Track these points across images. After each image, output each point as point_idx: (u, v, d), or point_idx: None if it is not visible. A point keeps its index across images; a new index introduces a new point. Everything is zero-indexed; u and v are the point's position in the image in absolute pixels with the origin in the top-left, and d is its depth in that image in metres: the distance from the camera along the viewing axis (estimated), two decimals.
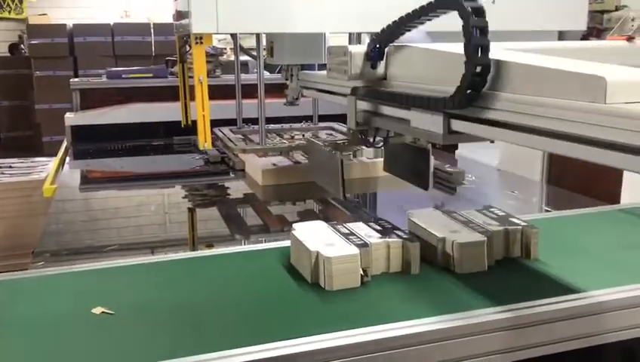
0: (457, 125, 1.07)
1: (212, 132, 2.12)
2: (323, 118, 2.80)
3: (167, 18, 6.49)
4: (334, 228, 1.27)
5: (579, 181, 2.35)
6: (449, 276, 1.19)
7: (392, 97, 1.24)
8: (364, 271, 1.15)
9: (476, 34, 0.96)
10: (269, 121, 2.26)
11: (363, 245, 1.17)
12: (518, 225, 1.29)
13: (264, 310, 1.07)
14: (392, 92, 1.26)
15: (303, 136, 2.53)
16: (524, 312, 1.02)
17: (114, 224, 2.03)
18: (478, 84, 0.96)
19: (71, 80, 3.68)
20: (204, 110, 1.93)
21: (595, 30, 2.61)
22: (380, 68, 1.31)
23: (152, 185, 2.56)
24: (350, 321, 1.00)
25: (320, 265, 1.13)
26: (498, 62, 0.97)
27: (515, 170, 2.45)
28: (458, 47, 1.09)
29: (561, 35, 2.15)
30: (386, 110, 1.29)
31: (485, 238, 1.20)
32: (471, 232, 1.23)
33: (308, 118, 2.79)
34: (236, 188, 2.30)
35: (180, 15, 2.07)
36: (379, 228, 1.28)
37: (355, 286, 1.13)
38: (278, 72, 2.23)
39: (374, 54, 1.29)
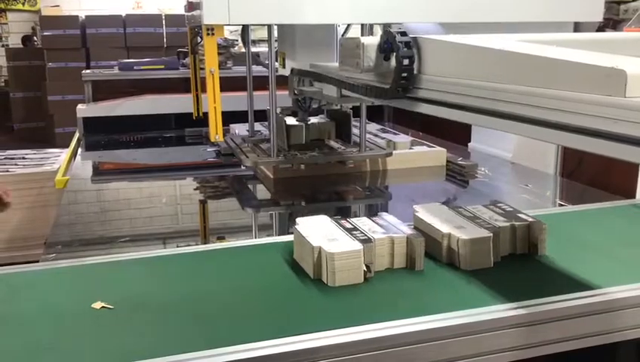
0: (345, 92, 1.46)
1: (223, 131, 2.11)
2: None
3: (179, 9, 6.52)
4: (338, 223, 1.25)
5: (593, 174, 2.32)
6: (454, 272, 1.17)
7: (338, 82, 1.49)
8: (367, 267, 1.13)
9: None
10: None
11: (366, 241, 1.15)
12: (525, 220, 1.27)
13: (265, 306, 1.06)
14: (330, 76, 1.59)
15: None
16: (531, 310, 1.00)
17: (125, 215, 2.04)
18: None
19: (83, 72, 3.69)
20: (215, 102, 1.92)
21: (612, 21, 2.57)
22: (393, 60, 1.29)
23: (163, 177, 2.57)
24: (352, 318, 0.98)
25: (323, 260, 1.12)
26: (512, 55, 0.95)
27: (529, 163, 2.42)
28: (471, 39, 1.09)
29: (577, 27, 2.12)
30: (315, 85, 1.81)
31: (491, 234, 1.18)
32: (477, 228, 1.21)
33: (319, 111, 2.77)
34: (247, 180, 2.30)
35: (192, 6, 2.06)
36: (383, 222, 1.26)
37: (359, 283, 1.11)
38: None
39: (387, 46, 1.27)
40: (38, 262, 1.36)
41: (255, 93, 2.28)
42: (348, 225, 1.24)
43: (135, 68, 3.60)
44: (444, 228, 1.22)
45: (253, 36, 2.61)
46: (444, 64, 1.19)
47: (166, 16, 6.85)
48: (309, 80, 1.85)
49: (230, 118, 2.47)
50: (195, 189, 2.30)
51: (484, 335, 0.97)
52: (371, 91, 1.27)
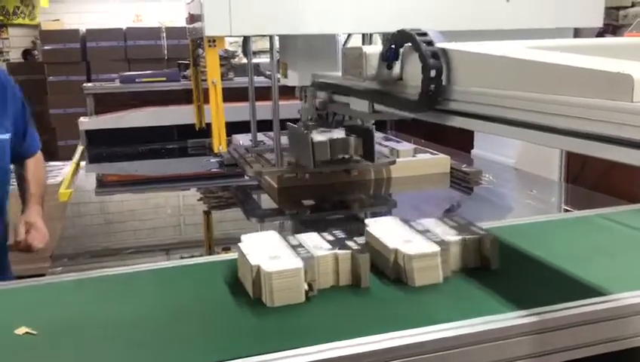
0: (378, 107, 1.38)
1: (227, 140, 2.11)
2: None
3: (179, 22, 6.54)
4: (284, 239, 1.20)
5: (597, 179, 2.32)
6: (401, 289, 1.12)
7: (367, 94, 1.42)
8: (309, 285, 1.08)
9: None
10: (283, 123, 2.24)
11: (308, 258, 1.09)
12: (476, 234, 1.22)
13: (199, 329, 1.01)
14: (356, 89, 1.48)
15: None
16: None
17: (130, 227, 2.04)
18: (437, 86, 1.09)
19: (84, 85, 3.71)
20: (218, 113, 1.93)
21: (611, 27, 2.58)
22: (396, 68, 1.30)
23: (167, 188, 2.57)
24: (287, 340, 0.93)
25: (261, 280, 1.07)
26: (518, 61, 0.95)
27: (532, 169, 2.42)
28: (473, 47, 1.09)
29: (577, 32, 2.13)
30: (337, 98, 1.71)
31: (439, 249, 1.14)
32: (425, 242, 1.17)
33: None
34: (251, 190, 2.30)
35: (193, 18, 2.07)
36: (331, 238, 1.21)
37: (299, 302, 1.06)
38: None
39: (390, 55, 1.27)
40: (44, 275, 1.36)
41: (257, 103, 2.28)
42: (294, 241, 1.19)
43: (136, 80, 3.61)
44: (391, 242, 1.17)
45: (253, 47, 2.62)
46: (474, 75, 1.20)
47: (166, 28, 6.88)
48: (328, 93, 1.78)
49: (233, 128, 2.47)
50: (199, 200, 2.30)
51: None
52: (405, 104, 1.23)
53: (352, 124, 1.89)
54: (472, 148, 2.87)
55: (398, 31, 1.23)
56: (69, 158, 3.48)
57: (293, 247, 1.16)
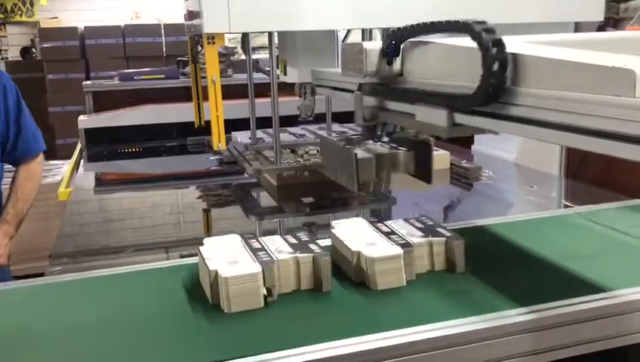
0: (460, 118, 1.03)
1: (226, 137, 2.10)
2: (335, 115, 2.78)
3: (178, 19, 6.52)
4: (247, 242, 1.18)
5: (597, 174, 2.32)
6: (362, 293, 1.09)
7: (411, 94, 1.20)
8: (268, 290, 1.05)
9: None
10: (282, 119, 2.24)
11: (268, 262, 1.07)
12: (442, 235, 1.19)
13: (150, 334, 0.98)
14: (406, 88, 1.21)
15: (317, 151, 2.51)
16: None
17: (129, 225, 2.03)
18: (499, 80, 0.93)
19: (83, 83, 3.70)
20: (217, 110, 1.92)
21: (612, 20, 2.57)
22: (396, 64, 1.29)
23: (166, 186, 2.56)
24: (241, 347, 0.91)
25: (219, 285, 1.04)
26: (519, 56, 0.94)
27: (532, 165, 2.41)
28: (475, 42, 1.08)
29: (577, 26, 2.11)
30: (392, 105, 1.26)
31: (402, 252, 1.11)
32: (389, 245, 1.13)
33: (321, 116, 2.76)
34: (251, 188, 2.29)
35: (192, 15, 2.05)
36: (294, 241, 1.18)
37: (258, 308, 1.04)
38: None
39: (390, 50, 1.26)
40: (43, 275, 1.36)
41: (256, 100, 2.27)
42: (256, 245, 1.16)
43: (135, 78, 3.60)
44: (354, 245, 1.14)
45: (253, 43, 2.61)
46: (433, 64, 1.18)
47: (165, 25, 6.87)
48: (378, 98, 1.38)
49: (232, 125, 2.47)
50: (198, 198, 2.29)
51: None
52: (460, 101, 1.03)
53: (404, 135, 1.49)
54: (473, 143, 2.86)
55: (445, 21, 1.10)
56: (68, 157, 3.48)
57: (255, 251, 1.13)
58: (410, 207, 2.00)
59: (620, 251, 1.27)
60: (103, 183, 2.71)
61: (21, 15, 8.10)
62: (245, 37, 2.16)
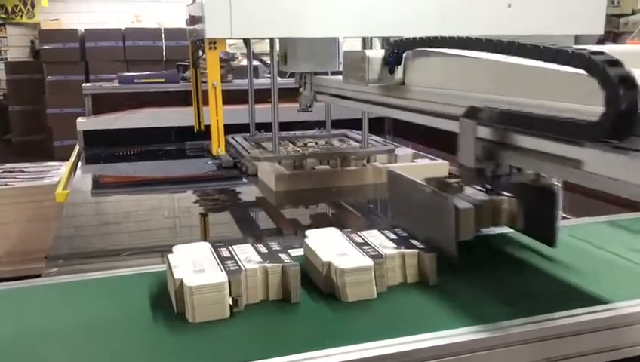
0: None
1: (225, 138, 2.10)
2: (335, 123, 2.79)
3: (178, 23, 6.55)
4: (216, 251, 1.15)
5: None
6: (331, 305, 1.06)
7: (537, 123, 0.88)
8: (234, 300, 1.03)
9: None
10: (282, 126, 2.25)
11: (235, 272, 1.04)
12: (415, 247, 1.17)
13: (109, 343, 0.96)
14: (537, 115, 0.89)
15: (316, 143, 2.52)
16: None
17: (125, 228, 2.03)
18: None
19: (83, 85, 3.70)
20: (217, 115, 1.92)
21: (612, 34, 2.58)
22: (398, 73, 1.29)
23: (163, 190, 2.56)
24: (202, 359, 0.89)
25: (184, 294, 1.02)
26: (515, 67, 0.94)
27: None
28: (477, 52, 1.08)
29: (577, 39, 2.13)
30: (523, 141, 0.93)
31: (372, 263, 1.08)
32: (360, 256, 1.11)
33: (321, 123, 2.77)
34: (249, 193, 2.29)
35: (194, 20, 2.06)
36: (264, 250, 1.16)
37: (223, 318, 1.01)
38: (289, 77, 2.22)
39: (392, 59, 1.27)
40: (40, 276, 1.35)
41: (256, 106, 2.28)
42: (225, 254, 1.14)
43: (135, 81, 3.60)
44: (325, 255, 1.12)
45: (253, 49, 2.62)
46: (435, 74, 1.18)
47: (165, 29, 6.89)
48: (499, 130, 1.00)
49: (232, 130, 2.48)
50: (194, 202, 2.29)
51: None
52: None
53: (521, 180, 1.14)
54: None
55: (544, 47, 0.87)
56: (66, 158, 3.47)
57: (223, 260, 1.10)
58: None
59: (593, 266, 1.25)
60: (100, 186, 2.70)
61: (22, 16, 8.11)
62: (247, 42, 2.16)
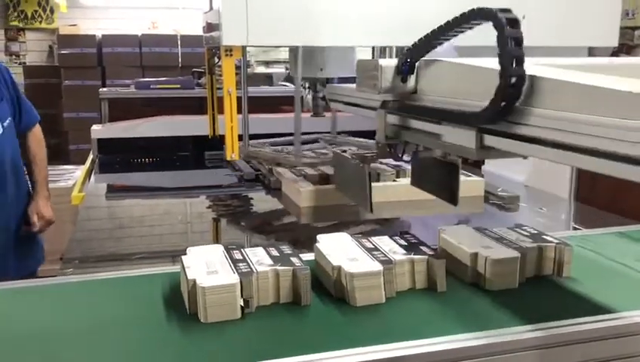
0: (490, 140, 1.04)
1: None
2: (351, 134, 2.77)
3: (194, 30, 6.61)
4: (229, 253, 1.18)
5: (607, 198, 2.31)
6: (340, 309, 1.08)
7: (423, 111, 1.23)
8: (245, 301, 1.05)
9: (511, 45, 0.95)
10: (290, 135, 2.22)
11: (247, 274, 1.07)
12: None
13: (121, 342, 0.98)
14: (423, 106, 1.24)
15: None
16: (555, 331, 0.98)
17: (138, 233, 2.05)
18: (513, 96, 0.95)
19: (100, 90, 3.75)
20: (232, 121, 1.95)
21: (626, 47, 2.58)
22: (411, 82, 1.31)
23: (177, 195, 2.55)
24: (214, 358, 0.91)
25: (197, 294, 1.04)
26: (539, 79, 0.95)
27: (543, 187, 2.42)
28: (489, 62, 1.09)
29: (591, 51, 2.13)
30: (416, 124, 1.25)
31: (382, 268, 1.11)
32: (370, 261, 1.14)
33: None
34: (273, 207, 2.21)
35: (211, 27, 2.09)
36: (276, 253, 1.18)
37: (234, 319, 1.03)
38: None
39: (405, 68, 1.29)
40: (55, 276, 1.38)
41: (268, 115, 2.29)
42: (237, 256, 1.16)
43: (151, 87, 3.65)
44: (335, 260, 1.14)
45: (267, 57, 2.64)
46: (447, 83, 1.20)
47: (181, 36, 6.95)
48: (401, 116, 1.32)
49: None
50: (207, 207, 2.30)
51: (506, 356, 0.94)
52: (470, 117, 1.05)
53: (428, 155, 1.36)
54: (483, 163, 2.86)
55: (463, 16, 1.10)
56: (81, 162, 3.51)
57: (235, 262, 1.13)
58: (417, 227, 1.99)
59: (603, 276, 1.28)
60: (114, 190, 2.72)
61: (41, 22, 8.22)
62: (243, 51, 2.12)
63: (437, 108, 1.18)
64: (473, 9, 1.08)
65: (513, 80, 0.94)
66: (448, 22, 1.16)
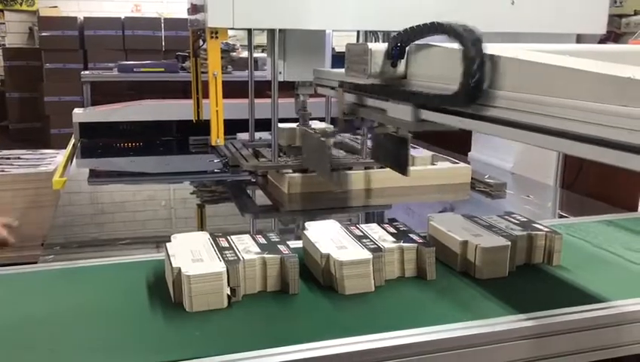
0: (426, 115, 1.15)
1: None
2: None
3: (178, 13, 6.51)
4: (215, 240, 1.15)
5: (593, 186, 2.33)
6: (329, 297, 1.06)
7: (374, 90, 1.32)
8: (231, 290, 1.03)
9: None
10: (281, 121, 2.20)
11: (233, 262, 1.04)
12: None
13: (101, 331, 0.96)
14: (386, 86, 1.30)
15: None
16: (546, 321, 0.97)
17: (120, 218, 2.02)
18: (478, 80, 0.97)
19: (82, 72, 3.68)
20: (217, 106, 1.91)
21: (613, 34, 2.58)
22: (401, 66, 1.29)
23: (160, 181, 2.53)
24: (199, 348, 0.89)
25: (182, 283, 1.02)
26: (520, 62, 0.94)
27: (529, 174, 2.42)
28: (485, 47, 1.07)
29: (579, 38, 2.13)
30: (369, 101, 1.40)
31: (371, 256, 1.10)
32: (359, 249, 1.13)
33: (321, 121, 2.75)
34: (259, 193, 2.16)
35: (195, 9, 2.05)
36: (263, 241, 1.16)
37: (221, 308, 1.01)
38: None
39: (395, 53, 1.26)
40: (36, 263, 1.35)
41: (255, 100, 2.26)
42: (223, 244, 1.14)
43: (135, 70, 3.59)
44: (324, 248, 1.13)
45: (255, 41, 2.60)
46: (437, 68, 1.19)
47: (165, 19, 6.86)
48: (358, 95, 1.47)
49: (229, 126, 2.36)
50: (191, 193, 2.28)
51: (496, 346, 0.94)
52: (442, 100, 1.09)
53: (383, 131, 1.49)
54: (470, 150, 2.87)
55: (428, 23, 1.16)
56: (62, 147, 3.46)
57: (222, 250, 1.11)
58: (401, 213, 1.99)
59: (591, 264, 1.28)
60: (97, 175, 2.68)
61: (21, 4, 8.06)
62: (250, 34, 2.14)
63: (410, 91, 1.23)
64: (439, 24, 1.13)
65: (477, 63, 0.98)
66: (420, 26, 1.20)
